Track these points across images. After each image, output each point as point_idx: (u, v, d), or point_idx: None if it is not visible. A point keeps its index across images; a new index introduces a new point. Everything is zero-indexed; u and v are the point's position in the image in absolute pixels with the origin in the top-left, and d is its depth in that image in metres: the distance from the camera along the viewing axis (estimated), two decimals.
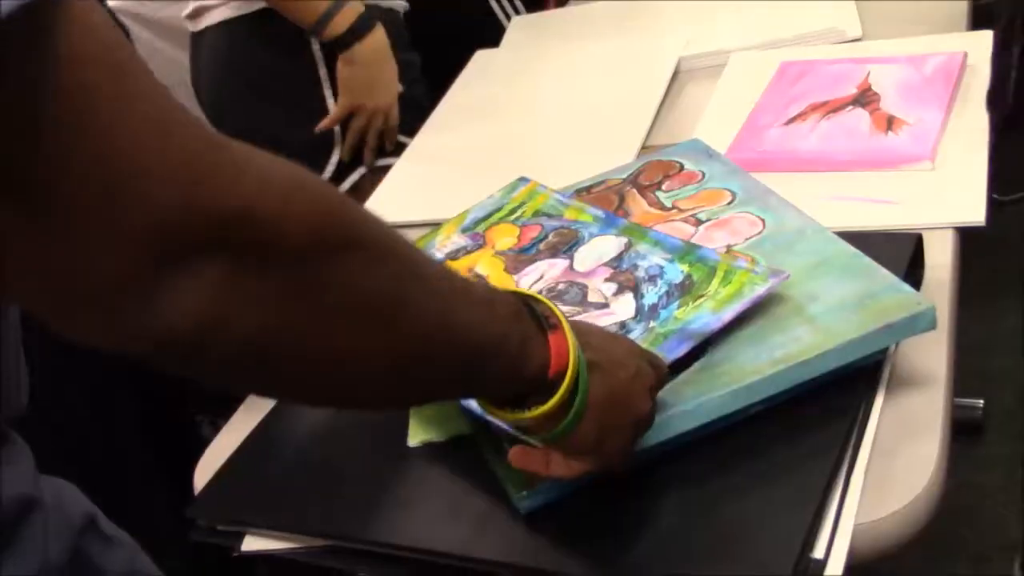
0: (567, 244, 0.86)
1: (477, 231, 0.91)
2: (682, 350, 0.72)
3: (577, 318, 0.77)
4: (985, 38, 1.19)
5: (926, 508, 0.70)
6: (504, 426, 0.67)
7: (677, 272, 0.79)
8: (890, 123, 1.06)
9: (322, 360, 0.46)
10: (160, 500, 1.16)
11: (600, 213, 0.88)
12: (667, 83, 1.32)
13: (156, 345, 0.41)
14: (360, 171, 1.51)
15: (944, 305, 0.83)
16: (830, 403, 0.73)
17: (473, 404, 0.71)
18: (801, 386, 0.73)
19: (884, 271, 0.77)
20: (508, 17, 1.75)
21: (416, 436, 0.80)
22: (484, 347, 0.55)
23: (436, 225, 1.10)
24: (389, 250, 0.49)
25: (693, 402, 0.71)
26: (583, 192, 0.99)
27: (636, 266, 0.81)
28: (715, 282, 0.76)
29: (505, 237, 0.89)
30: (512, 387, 0.58)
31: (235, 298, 0.42)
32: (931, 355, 0.79)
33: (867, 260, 0.79)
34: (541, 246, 0.87)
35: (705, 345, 0.73)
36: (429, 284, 0.51)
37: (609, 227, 0.86)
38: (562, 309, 0.75)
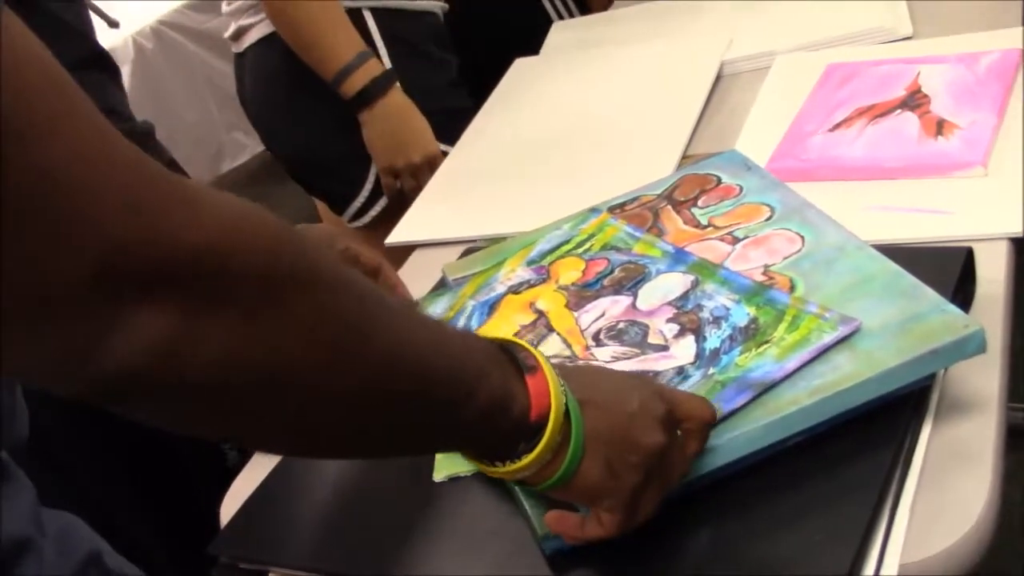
0: (632, 280, 0.84)
1: (543, 264, 0.89)
2: (740, 400, 0.69)
3: (635, 361, 0.75)
4: None
5: (977, 545, 0.66)
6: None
7: (743, 315, 0.76)
8: (940, 127, 1.02)
9: (280, 398, 0.44)
10: (156, 536, 1.15)
11: (670, 248, 0.86)
12: (709, 88, 1.28)
13: (103, 383, 0.39)
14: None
15: (997, 324, 0.79)
16: (873, 432, 0.70)
17: None
18: (841, 416, 0.70)
19: (929, 291, 0.74)
20: (561, 17, 1.73)
21: (442, 470, 0.79)
22: (455, 386, 0.52)
23: (471, 243, 1.10)
24: (346, 282, 0.47)
25: (727, 436, 0.68)
26: (616, 209, 0.96)
27: (701, 306, 0.79)
28: (782, 327, 0.74)
29: (570, 271, 0.87)
30: (494, 434, 0.56)
31: (188, 335, 0.40)
32: (982, 378, 0.75)
33: (911, 279, 0.75)
34: (606, 281, 0.85)
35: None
36: (393, 316, 0.49)
37: (678, 263, 0.84)
38: (621, 350, 0.76)
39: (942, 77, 1.10)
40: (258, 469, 0.88)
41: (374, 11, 1.43)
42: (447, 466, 0.79)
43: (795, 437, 0.70)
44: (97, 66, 1.22)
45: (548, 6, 1.73)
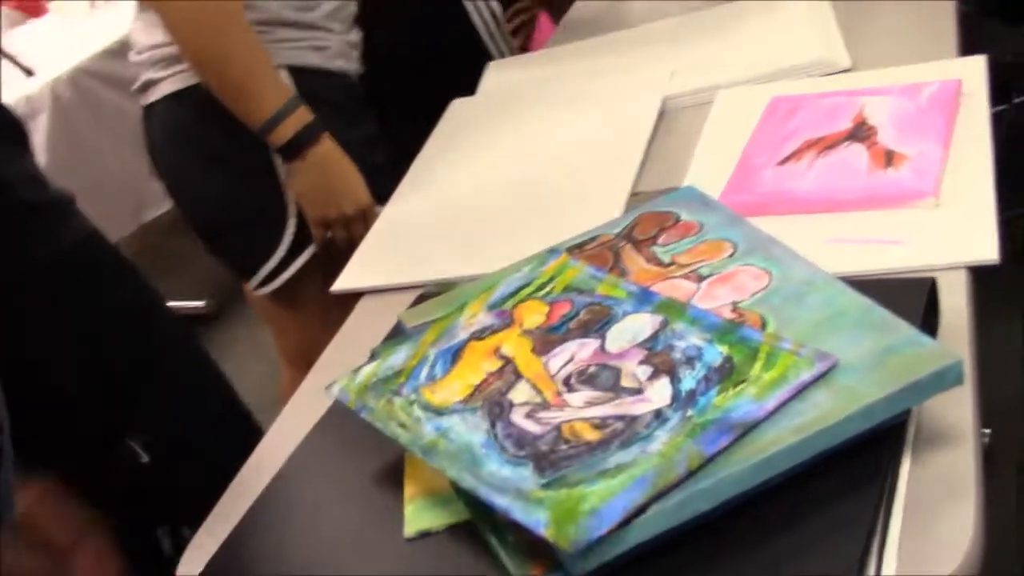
0: (599, 322, 0.82)
1: (505, 308, 0.88)
2: (723, 442, 0.68)
3: (610, 406, 0.74)
4: (978, 64, 1.16)
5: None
6: (504, 507, 0.64)
7: (716, 354, 0.75)
8: (889, 158, 1.02)
9: None
10: None
11: (634, 288, 0.85)
12: (653, 124, 1.28)
13: None
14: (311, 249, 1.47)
15: (964, 353, 0.79)
16: (854, 469, 0.69)
17: (478, 488, 0.69)
18: (824, 453, 0.69)
19: (902, 323, 0.74)
20: (501, 54, 1.72)
21: (412, 525, 0.77)
22: None
23: (420, 288, 1.08)
24: None
25: (713, 479, 0.67)
26: (575, 250, 0.95)
27: (672, 347, 0.77)
28: (757, 366, 0.73)
29: (534, 315, 0.86)
30: None
31: None
32: (955, 408, 0.75)
33: (882, 311, 0.75)
34: (571, 324, 0.83)
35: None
36: None
37: (644, 304, 0.83)
38: (594, 395, 0.75)
39: (886, 108, 1.11)
40: (210, 537, 0.85)
41: (290, 68, 1.40)
42: (417, 521, 0.77)
43: (779, 477, 0.69)
44: (10, 139, 1.18)
45: (487, 41, 1.71)
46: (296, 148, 1.36)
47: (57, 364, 1.17)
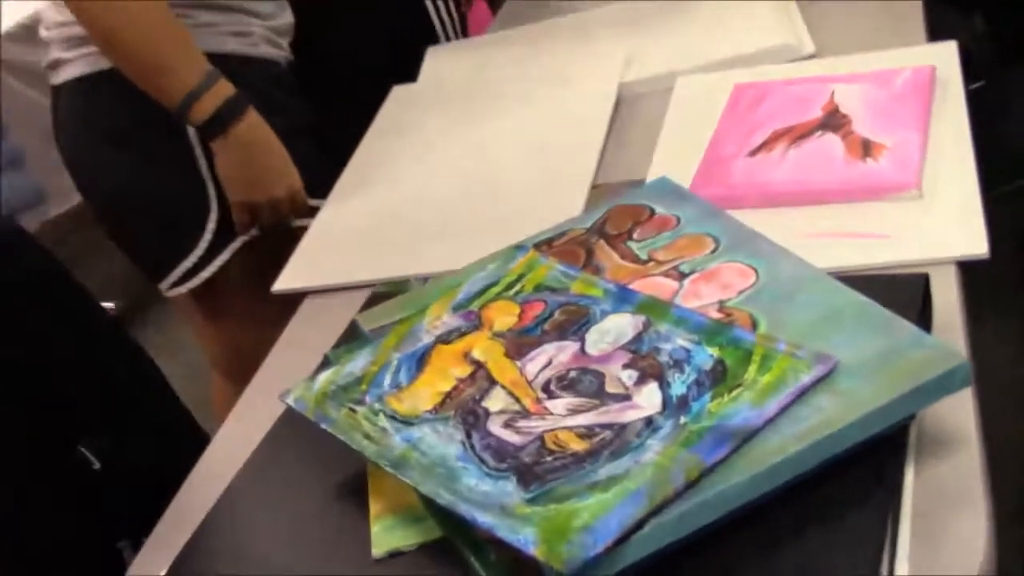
0: (576, 323, 0.81)
1: (471, 309, 0.85)
2: (722, 452, 0.66)
3: (595, 413, 0.73)
4: (950, 50, 1.15)
5: None
6: (487, 525, 0.63)
7: (706, 356, 0.74)
8: (867, 148, 1.01)
9: None
10: None
11: (611, 287, 0.83)
12: (610, 113, 1.26)
13: None
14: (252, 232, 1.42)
15: (960, 352, 0.78)
16: (857, 477, 0.68)
17: (457, 504, 0.67)
18: (827, 461, 0.68)
19: (904, 322, 0.73)
20: (448, 37, 1.68)
21: (381, 545, 0.74)
22: None
23: (370, 287, 1.05)
24: None
25: (713, 490, 0.65)
26: (543, 246, 0.93)
27: (658, 349, 0.76)
28: (752, 369, 0.71)
29: (504, 316, 0.84)
30: None
31: None
32: (956, 411, 0.74)
33: (881, 309, 0.74)
34: (546, 326, 0.81)
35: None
36: None
37: (623, 303, 0.81)
38: (577, 402, 0.73)
39: (858, 96, 1.10)
40: (158, 552, 0.81)
41: (211, 56, 1.35)
42: (386, 541, 0.74)
43: (783, 486, 0.67)
44: None
45: (436, 23, 1.67)
46: (219, 125, 1.30)
47: (10, 378, 1.16)
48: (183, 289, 1.43)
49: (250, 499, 0.84)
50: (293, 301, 1.14)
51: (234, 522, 0.82)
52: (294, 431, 0.87)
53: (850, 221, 0.96)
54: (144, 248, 1.47)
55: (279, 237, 1.36)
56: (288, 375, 0.94)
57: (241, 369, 1.20)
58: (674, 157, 1.13)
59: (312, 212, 1.32)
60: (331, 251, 1.20)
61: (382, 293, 1.03)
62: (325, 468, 0.82)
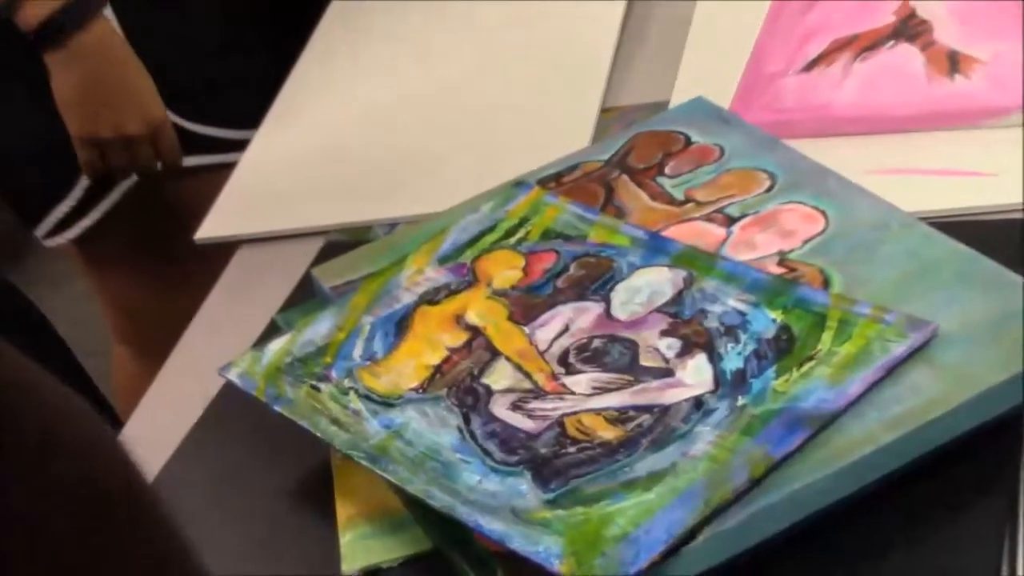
0: (597, 279, 0.80)
1: (461, 261, 0.84)
2: (794, 441, 0.66)
3: (629, 392, 0.72)
4: None
5: None
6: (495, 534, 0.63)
7: (766, 322, 0.73)
8: (954, 62, 1.00)
9: None
10: None
11: (641, 234, 0.82)
12: (620, 20, 1.24)
13: None
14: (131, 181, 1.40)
15: None
16: (964, 473, 0.68)
17: (455, 508, 0.66)
18: (928, 455, 0.67)
19: (1019, 279, 0.72)
20: None
21: (353, 561, 0.74)
22: None
23: (322, 234, 1.05)
24: None
25: (786, 490, 0.65)
26: (551, 183, 0.92)
27: (705, 312, 0.75)
28: (827, 337, 0.71)
29: (505, 270, 0.82)
30: None
31: None
32: None
33: (991, 264, 0.74)
34: (560, 282, 0.80)
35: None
36: None
37: (657, 254, 0.80)
38: (604, 378, 0.73)
39: None
40: None
41: None
42: (359, 555, 0.74)
43: (871, 486, 0.66)
44: None
45: None
46: (54, 33, 1.25)
47: None
48: (60, 239, 1.41)
49: (176, 505, 0.82)
50: (204, 256, 1.12)
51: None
52: (235, 415, 0.86)
53: (933, 155, 0.94)
54: (10, 190, 1.45)
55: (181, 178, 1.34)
56: (222, 344, 0.92)
57: (140, 339, 1.17)
58: (706, 74, 1.10)
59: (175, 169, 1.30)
60: (269, 191, 1.17)
61: (340, 242, 1.02)
62: (278, 463, 0.82)
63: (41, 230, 1.41)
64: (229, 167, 1.24)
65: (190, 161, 1.40)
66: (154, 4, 1.36)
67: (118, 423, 1.20)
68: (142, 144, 1.33)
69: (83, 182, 1.38)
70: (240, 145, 1.27)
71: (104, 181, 1.38)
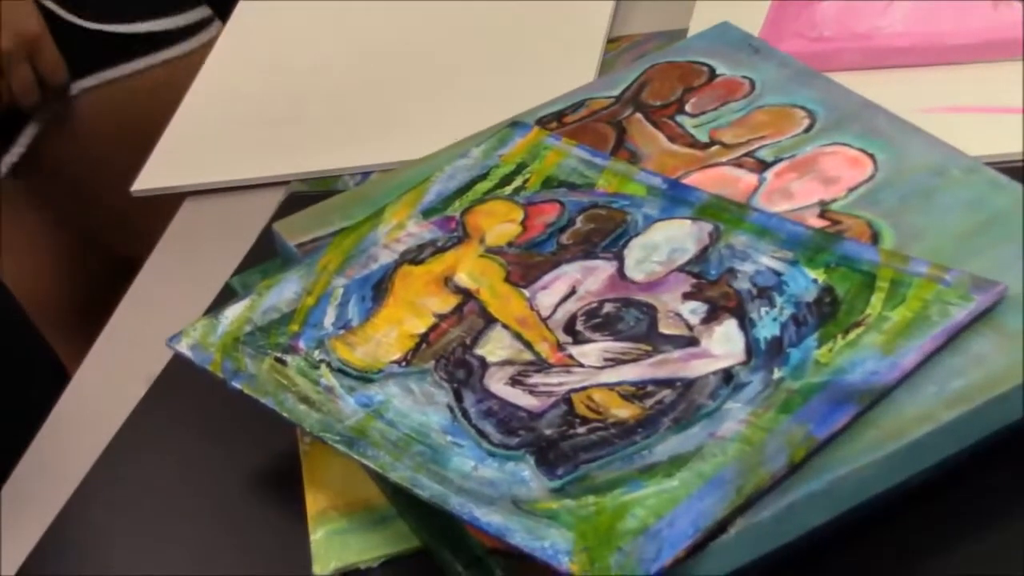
0: (609, 234, 0.80)
1: (449, 214, 0.84)
2: (840, 420, 0.66)
3: (647, 364, 0.72)
4: None
5: None
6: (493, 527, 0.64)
7: (807, 283, 0.74)
8: None
9: None
10: None
11: (658, 182, 0.82)
12: None
13: None
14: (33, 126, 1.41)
15: None
16: None
17: (447, 498, 0.67)
18: (994, 436, 0.68)
19: None
20: None
21: (326, 561, 0.75)
22: None
23: (281, 184, 1.07)
24: None
25: (827, 477, 0.65)
26: (552, 122, 0.93)
27: (734, 272, 0.75)
28: (876, 300, 0.71)
29: (500, 223, 0.83)
30: None
31: None
32: None
33: None
34: (564, 238, 0.81)
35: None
36: None
37: (677, 205, 0.81)
38: (619, 347, 0.73)
39: None
40: None
41: None
42: (333, 554, 0.75)
43: (925, 473, 0.67)
44: None
45: None
46: None
47: None
48: None
49: (119, 495, 0.85)
50: (105, 212, 1.13)
51: (94, 529, 0.84)
52: (185, 394, 0.88)
53: (996, 89, 0.96)
54: None
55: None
56: (165, 313, 0.94)
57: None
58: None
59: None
60: (218, 135, 1.18)
61: (304, 193, 1.03)
62: (236, 449, 0.83)
63: None
64: (163, 69, 1.24)
65: (106, 75, 1.40)
66: None
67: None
68: (19, 64, 1.33)
69: None
70: (167, 39, 1.28)
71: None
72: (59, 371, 1.40)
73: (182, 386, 0.88)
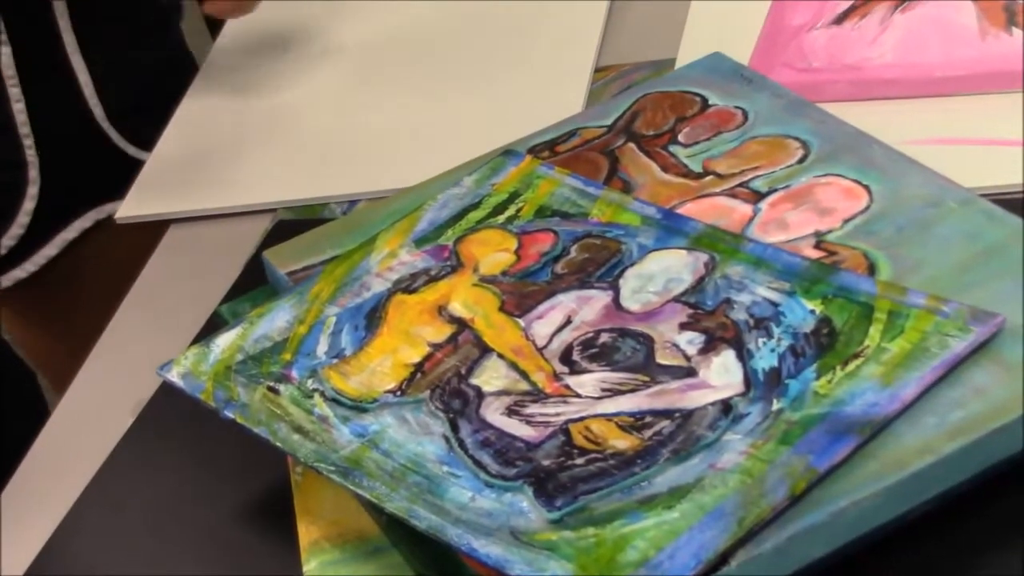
0: (604, 264, 0.80)
1: (442, 242, 0.85)
2: (840, 452, 0.66)
3: (645, 395, 0.72)
4: None
5: None
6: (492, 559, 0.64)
7: (803, 313, 0.74)
8: (1011, 13, 1.01)
9: None
10: None
11: (653, 211, 0.82)
12: None
13: None
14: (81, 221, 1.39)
15: None
16: None
17: (444, 529, 0.67)
18: (994, 468, 0.68)
19: None
20: None
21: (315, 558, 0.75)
22: None
23: (268, 211, 1.06)
24: None
25: (828, 509, 0.65)
26: (544, 151, 0.93)
27: (731, 303, 0.75)
28: (874, 332, 0.71)
29: (495, 252, 0.83)
30: None
31: None
32: None
33: None
34: (559, 267, 0.81)
35: None
36: None
37: (673, 235, 0.81)
38: (615, 378, 0.73)
39: None
40: None
41: None
42: (317, 553, 0.75)
43: (928, 504, 0.67)
44: None
45: None
46: None
47: None
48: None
49: (106, 527, 0.84)
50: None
51: (82, 564, 0.83)
52: (174, 423, 0.88)
53: (986, 122, 0.95)
54: None
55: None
56: (150, 341, 0.95)
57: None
58: (720, 27, 1.11)
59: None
60: (201, 163, 1.18)
61: (291, 221, 1.03)
62: (227, 479, 0.83)
63: None
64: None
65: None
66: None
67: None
68: None
69: (11, 234, 1.37)
70: None
71: (45, 222, 1.38)
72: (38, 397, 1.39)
73: (171, 415, 0.88)
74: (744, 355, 0.73)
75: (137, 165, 1.25)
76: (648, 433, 0.70)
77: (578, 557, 0.64)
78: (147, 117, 1.32)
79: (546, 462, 0.69)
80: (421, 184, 0.92)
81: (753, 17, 1.11)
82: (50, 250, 1.39)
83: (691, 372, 0.73)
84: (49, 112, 1.34)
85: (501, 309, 0.80)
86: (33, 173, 1.35)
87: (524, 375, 0.75)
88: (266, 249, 0.93)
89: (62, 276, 1.42)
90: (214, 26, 1.45)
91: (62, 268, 1.41)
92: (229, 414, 0.77)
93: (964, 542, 0.68)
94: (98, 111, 1.37)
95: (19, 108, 1.32)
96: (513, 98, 1.12)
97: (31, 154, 1.34)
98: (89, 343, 1.03)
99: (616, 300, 0.78)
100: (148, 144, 1.27)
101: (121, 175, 1.24)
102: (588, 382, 0.74)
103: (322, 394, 0.77)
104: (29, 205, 1.36)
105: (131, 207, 1.15)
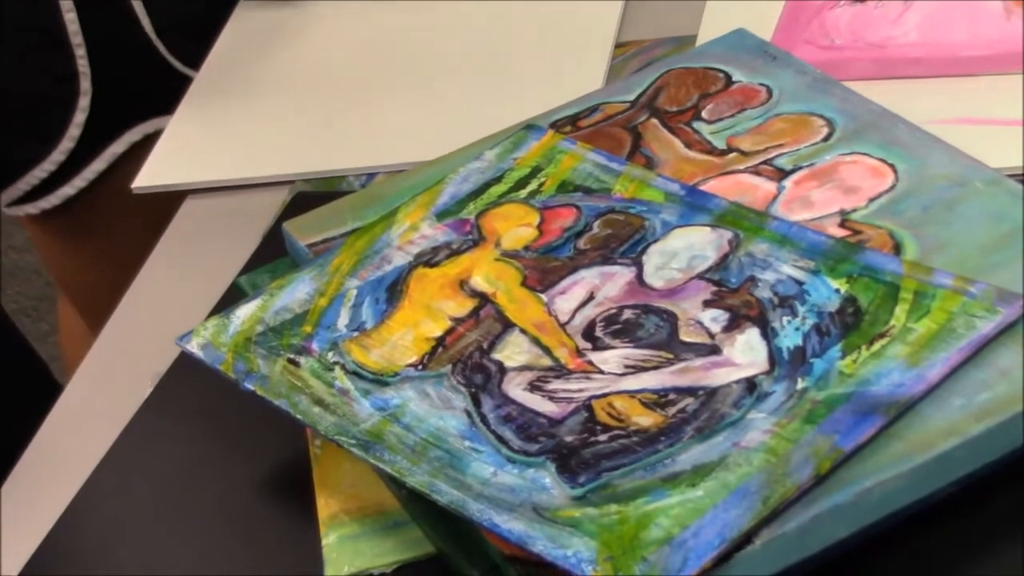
0: (627, 240, 0.80)
1: (464, 216, 0.84)
2: (866, 432, 0.66)
3: (668, 372, 0.72)
4: None
5: None
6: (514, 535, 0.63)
7: (828, 292, 0.73)
8: None
9: None
10: None
11: (676, 188, 0.82)
12: None
13: None
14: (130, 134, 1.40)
15: None
16: None
17: (465, 504, 0.66)
18: (1020, 451, 0.67)
19: None
20: None
21: (338, 566, 0.74)
22: None
23: (286, 183, 1.06)
24: None
25: (853, 489, 0.65)
26: (567, 126, 0.92)
27: (755, 280, 0.75)
28: (900, 311, 0.71)
29: (517, 227, 0.83)
30: None
31: None
32: None
33: None
34: (581, 242, 0.81)
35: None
36: None
37: (696, 212, 0.80)
38: (638, 355, 0.73)
39: None
40: None
41: None
42: (346, 560, 0.74)
43: (953, 485, 0.67)
44: None
45: None
46: None
47: None
48: (32, 209, 1.41)
49: (123, 498, 0.84)
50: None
51: (98, 533, 0.82)
52: (193, 394, 0.87)
53: (1011, 102, 0.95)
54: None
55: None
56: (171, 308, 0.94)
57: (89, 295, 1.18)
58: (737, 4, 1.11)
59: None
60: (219, 134, 1.18)
61: (310, 193, 1.02)
62: (245, 451, 0.83)
63: (10, 194, 1.41)
64: None
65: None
66: None
67: (55, 386, 1.21)
68: None
69: (64, 145, 1.38)
70: None
71: (86, 144, 1.38)
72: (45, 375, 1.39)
73: (189, 386, 0.87)
74: (768, 333, 0.73)
75: (185, 81, 1.26)
76: (672, 410, 0.69)
77: (601, 534, 0.63)
78: (194, 35, 1.33)
79: (569, 438, 0.69)
80: (442, 157, 0.91)
81: None
82: (99, 164, 1.40)
83: (715, 350, 0.73)
84: (99, 23, 1.35)
85: (523, 284, 0.79)
86: (85, 84, 1.36)
87: (546, 350, 0.75)
88: (285, 221, 0.93)
89: (105, 197, 1.42)
90: None
91: (106, 187, 1.41)
92: (249, 386, 0.77)
93: (964, 541, 0.68)
94: (146, 22, 1.37)
95: (71, 18, 1.33)
96: (533, 73, 1.12)
97: (83, 64, 1.35)
98: (122, 271, 1.03)
99: (639, 276, 0.78)
100: (195, 63, 1.27)
101: (170, 90, 1.25)
102: (611, 358, 0.74)
103: (343, 367, 0.76)
104: (80, 117, 1.37)
105: (148, 177, 1.14)
